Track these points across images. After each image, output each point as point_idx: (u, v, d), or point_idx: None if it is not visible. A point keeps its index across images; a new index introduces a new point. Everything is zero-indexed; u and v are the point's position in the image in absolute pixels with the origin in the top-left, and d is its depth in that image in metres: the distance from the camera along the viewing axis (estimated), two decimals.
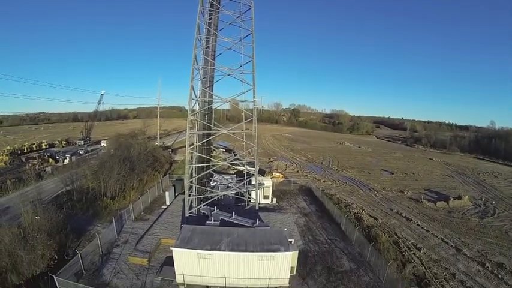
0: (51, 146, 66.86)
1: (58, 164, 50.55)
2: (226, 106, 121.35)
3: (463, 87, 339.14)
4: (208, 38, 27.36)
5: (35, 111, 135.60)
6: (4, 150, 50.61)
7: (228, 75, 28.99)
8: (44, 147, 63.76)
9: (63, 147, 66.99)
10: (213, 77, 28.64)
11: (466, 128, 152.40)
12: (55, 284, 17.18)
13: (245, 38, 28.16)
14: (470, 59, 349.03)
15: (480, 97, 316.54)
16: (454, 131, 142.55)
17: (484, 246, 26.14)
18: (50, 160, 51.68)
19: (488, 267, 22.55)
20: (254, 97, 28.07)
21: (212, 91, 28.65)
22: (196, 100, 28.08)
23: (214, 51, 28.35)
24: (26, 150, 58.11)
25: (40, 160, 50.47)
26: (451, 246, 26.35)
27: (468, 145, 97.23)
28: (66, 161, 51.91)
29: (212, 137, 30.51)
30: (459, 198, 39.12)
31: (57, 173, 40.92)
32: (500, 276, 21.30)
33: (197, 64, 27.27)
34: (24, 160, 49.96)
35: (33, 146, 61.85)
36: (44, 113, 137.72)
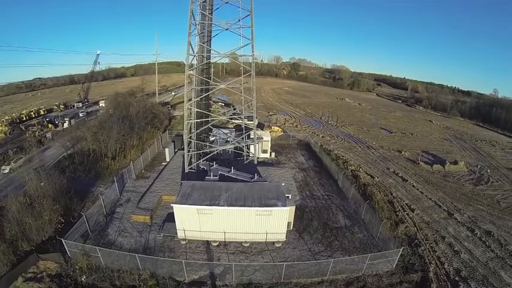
0: (50, 111, 64.67)
1: (58, 128, 49.63)
2: (226, 60, 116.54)
3: (468, 51, 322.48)
4: None
5: (31, 77, 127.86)
6: (3, 121, 48.76)
7: (226, 29, 27.72)
8: (42, 113, 61.70)
9: (61, 111, 64.93)
10: (211, 32, 27.41)
11: (468, 93, 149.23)
12: (64, 246, 17.49)
13: None
14: (480, 22, 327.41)
15: (485, 63, 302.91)
16: (455, 95, 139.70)
17: (475, 212, 26.71)
18: (50, 126, 50.40)
19: (477, 233, 23.13)
20: (253, 52, 27.21)
21: (210, 46, 27.50)
22: (194, 55, 26.91)
23: (212, 6, 26.37)
24: (24, 119, 56.09)
25: (39, 127, 49.10)
26: (444, 209, 26.91)
27: (469, 111, 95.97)
28: (66, 125, 50.99)
29: (210, 92, 29.18)
30: (455, 163, 39.33)
31: (57, 138, 40.61)
32: (487, 243, 21.88)
33: (194, 19, 25.88)
34: (23, 128, 48.51)
35: (32, 113, 59.58)
36: (39, 78, 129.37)
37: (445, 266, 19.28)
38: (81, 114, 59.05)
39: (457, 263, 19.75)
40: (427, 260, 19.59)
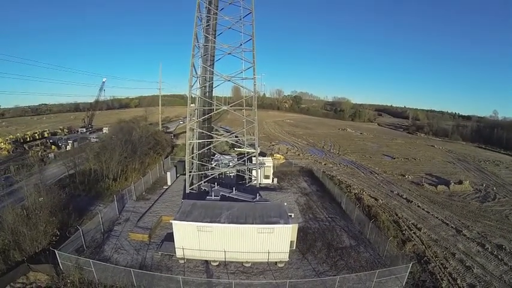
0: (54, 134, 66.95)
1: (61, 150, 50.63)
2: (229, 93, 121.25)
3: (466, 76, 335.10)
4: (209, 16, 27.05)
5: (37, 103, 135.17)
6: (7, 139, 50.55)
7: (229, 53, 29.10)
8: (46, 135, 63.83)
9: (65, 135, 67.04)
10: (214, 56, 28.72)
11: (468, 118, 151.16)
12: (57, 259, 17.14)
13: (245, 17, 28.19)
14: (475, 48, 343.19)
15: (484, 87, 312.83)
16: (456, 120, 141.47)
17: (484, 228, 26.00)
18: (53, 147, 51.75)
19: (488, 248, 22.43)
20: (254, 74, 28.34)
21: (213, 69, 28.66)
22: (197, 77, 28.07)
23: (215, 30, 28.21)
24: (28, 139, 58.01)
25: (43, 147, 50.50)
26: (451, 227, 26.24)
27: (470, 134, 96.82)
28: (69, 147, 51.81)
29: (213, 112, 30.19)
30: (460, 182, 38.90)
31: (60, 159, 40.81)
32: (500, 257, 21.19)
33: (198, 42, 27.27)
34: (27, 148, 49.97)
35: (36, 134, 61.82)
36: (45, 104, 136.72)
37: (458, 281, 18.42)
38: (88, 139, 58.72)
39: (470, 278, 18.92)
40: (438, 277, 18.77)
